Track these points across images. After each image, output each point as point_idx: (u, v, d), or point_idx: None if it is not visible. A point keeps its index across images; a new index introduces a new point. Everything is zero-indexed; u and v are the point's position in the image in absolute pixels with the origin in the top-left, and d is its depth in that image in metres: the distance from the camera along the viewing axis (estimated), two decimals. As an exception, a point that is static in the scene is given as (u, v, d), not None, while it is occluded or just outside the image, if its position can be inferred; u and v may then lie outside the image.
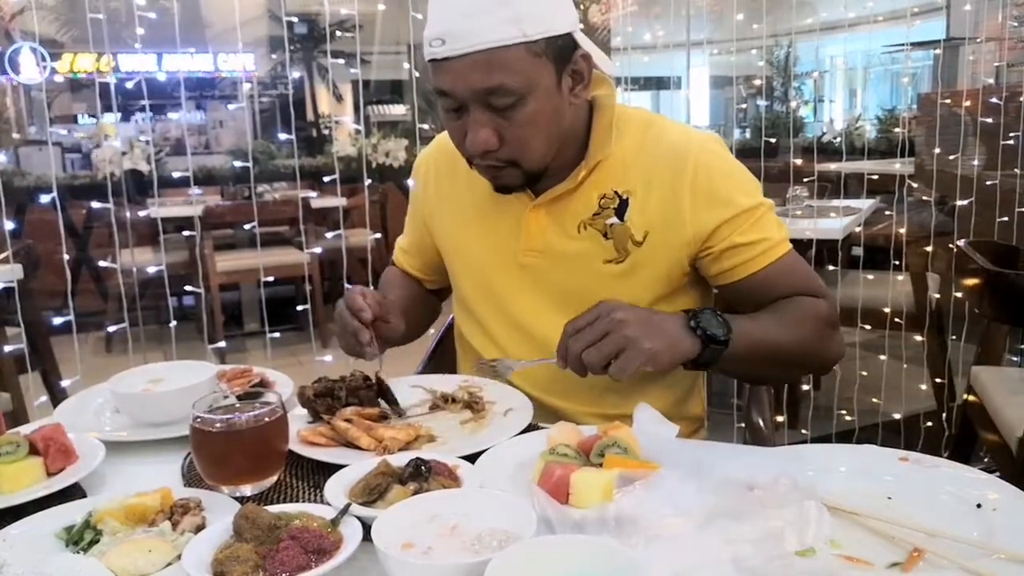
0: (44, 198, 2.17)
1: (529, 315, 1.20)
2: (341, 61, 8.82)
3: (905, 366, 2.87)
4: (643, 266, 1.13)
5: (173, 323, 2.34)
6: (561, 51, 1.02)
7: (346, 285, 2.50)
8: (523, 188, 1.13)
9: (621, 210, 1.12)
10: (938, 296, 2.83)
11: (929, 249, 2.79)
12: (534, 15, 0.98)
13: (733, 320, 1.02)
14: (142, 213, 3.69)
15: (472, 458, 0.88)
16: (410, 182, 1.36)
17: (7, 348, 2.38)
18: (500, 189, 1.13)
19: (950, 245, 2.40)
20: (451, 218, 1.26)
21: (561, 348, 0.97)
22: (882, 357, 2.85)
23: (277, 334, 2.57)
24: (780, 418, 2.88)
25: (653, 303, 1.15)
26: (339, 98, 11.05)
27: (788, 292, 1.13)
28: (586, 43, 1.06)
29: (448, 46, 0.97)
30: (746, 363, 1.05)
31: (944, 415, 2.79)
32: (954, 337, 2.86)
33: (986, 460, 2.20)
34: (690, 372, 1.19)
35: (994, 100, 3.21)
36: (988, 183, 3.03)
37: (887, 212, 3.25)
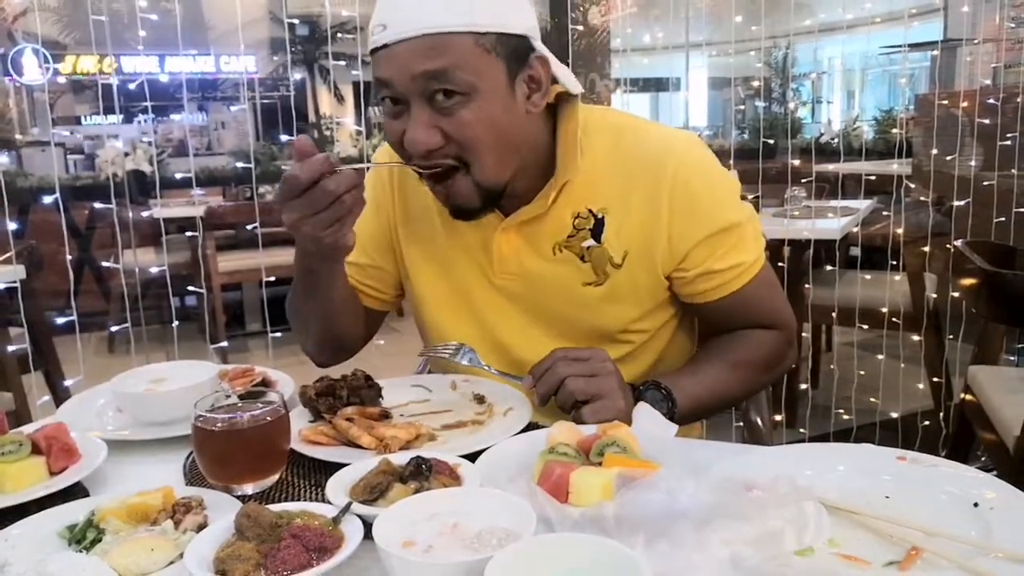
0: (47, 199, 2.18)
1: (513, 335, 1.14)
2: (342, 63, 8.81)
3: (903, 366, 2.87)
4: (623, 286, 1.09)
5: (175, 323, 2.35)
6: (515, 52, 0.96)
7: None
8: (482, 211, 1.03)
9: (597, 230, 1.07)
10: (935, 296, 2.83)
11: (926, 249, 2.80)
12: (483, 7, 0.93)
13: (675, 385, 1.04)
14: (144, 214, 3.70)
15: (472, 457, 0.88)
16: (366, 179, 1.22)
17: (10, 348, 2.39)
18: (457, 212, 1.03)
19: (947, 245, 2.41)
20: (420, 236, 1.17)
21: (541, 367, 0.97)
22: (880, 357, 2.85)
23: (279, 334, 2.57)
24: (778, 417, 2.89)
25: (638, 320, 1.13)
26: (340, 99, 11.07)
27: (750, 318, 1.13)
28: (552, 60, 1.01)
29: (391, 31, 0.92)
30: (691, 418, 1.09)
31: (941, 414, 2.79)
32: (951, 337, 2.87)
33: (983, 459, 2.21)
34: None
35: (991, 101, 3.22)
36: (985, 183, 3.03)
37: (885, 212, 3.25)
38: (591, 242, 1.08)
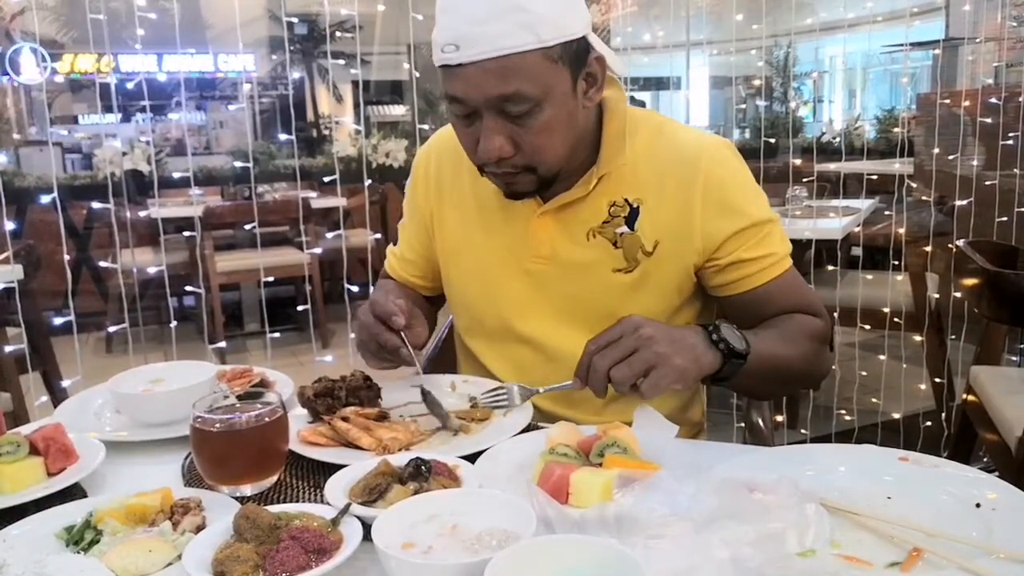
0: (45, 198, 2.18)
1: (536, 324, 1.17)
2: (341, 62, 8.82)
3: (904, 366, 2.87)
4: (652, 276, 1.12)
5: (173, 323, 2.35)
6: (576, 55, 1.00)
7: (346, 285, 2.50)
8: (535, 194, 1.10)
9: (632, 219, 1.11)
10: (937, 296, 2.83)
11: (928, 249, 2.80)
12: (549, 20, 0.95)
13: (748, 334, 1.01)
14: (142, 213, 3.70)
15: (472, 458, 0.88)
16: (407, 182, 1.32)
17: (8, 348, 2.38)
18: (512, 196, 1.10)
19: (949, 245, 2.40)
20: (455, 219, 1.22)
21: (583, 367, 0.94)
22: (881, 357, 2.85)
23: (277, 334, 2.57)
24: (780, 418, 2.89)
25: (663, 314, 1.14)
26: (339, 99, 11.07)
27: (785, 308, 1.13)
28: (598, 43, 1.05)
29: (462, 52, 0.94)
30: (755, 378, 1.03)
31: (943, 415, 2.79)
32: (953, 337, 2.87)
33: (985, 460, 2.20)
34: None
35: (993, 100, 3.21)
36: (987, 183, 3.03)
37: (886, 212, 3.25)
38: (625, 229, 1.12)
